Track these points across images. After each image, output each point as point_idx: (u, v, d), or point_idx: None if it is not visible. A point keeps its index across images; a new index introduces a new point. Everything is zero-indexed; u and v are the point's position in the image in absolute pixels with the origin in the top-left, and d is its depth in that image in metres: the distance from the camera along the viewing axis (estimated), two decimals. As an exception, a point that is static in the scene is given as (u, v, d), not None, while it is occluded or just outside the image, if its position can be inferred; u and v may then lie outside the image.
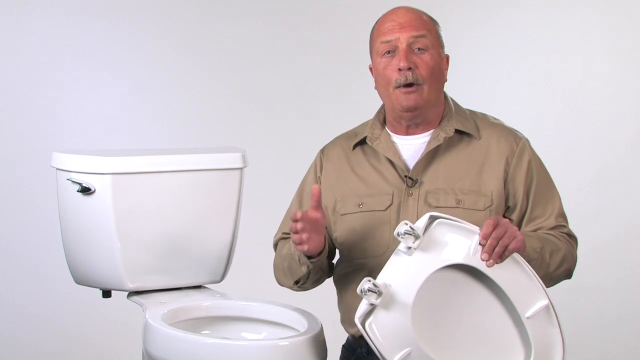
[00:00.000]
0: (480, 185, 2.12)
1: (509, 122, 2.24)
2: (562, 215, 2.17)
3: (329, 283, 2.28)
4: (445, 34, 2.18)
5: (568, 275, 2.13)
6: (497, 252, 1.87)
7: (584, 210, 3.75)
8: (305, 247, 2.03)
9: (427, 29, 2.12)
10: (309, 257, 2.09)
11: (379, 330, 1.86)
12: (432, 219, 1.90)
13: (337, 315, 2.23)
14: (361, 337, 2.01)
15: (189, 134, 3.67)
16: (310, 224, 2.02)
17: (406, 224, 1.86)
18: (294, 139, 3.76)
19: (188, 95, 3.72)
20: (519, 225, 2.15)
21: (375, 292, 1.84)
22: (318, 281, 2.22)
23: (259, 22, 3.75)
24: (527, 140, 2.19)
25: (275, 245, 2.30)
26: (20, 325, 3.53)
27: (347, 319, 2.19)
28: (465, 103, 2.28)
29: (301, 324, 2.17)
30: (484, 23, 3.79)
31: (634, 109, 3.76)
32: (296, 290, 2.25)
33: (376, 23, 2.17)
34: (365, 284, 1.84)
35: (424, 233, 1.88)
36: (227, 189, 2.59)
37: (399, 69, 2.09)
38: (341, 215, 2.19)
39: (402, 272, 1.87)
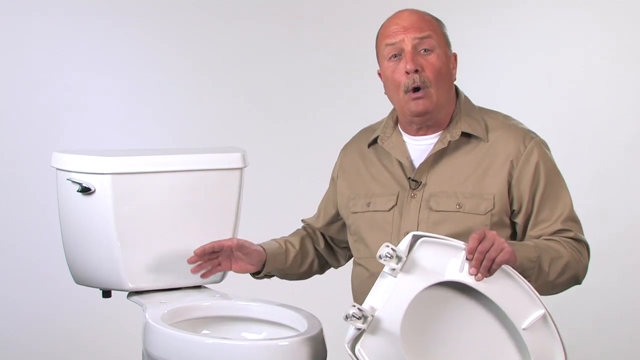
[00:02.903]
0: (483, 188, 2.09)
1: (526, 123, 2.19)
2: (572, 220, 2.12)
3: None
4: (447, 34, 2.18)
5: (575, 282, 2.09)
6: (484, 266, 1.84)
7: (584, 210, 3.72)
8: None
9: (432, 29, 2.11)
10: (254, 274, 2.37)
11: (369, 355, 1.84)
12: (416, 238, 1.86)
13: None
14: None
15: (189, 134, 3.67)
16: (210, 257, 2.35)
17: (387, 246, 1.83)
18: (293, 139, 3.75)
19: (188, 95, 3.71)
20: (524, 229, 2.11)
21: (361, 318, 1.82)
22: (308, 274, 2.40)
23: (259, 22, 3.75)
24: (541, 142, 2.14)
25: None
26: (20, 325, 3.52)
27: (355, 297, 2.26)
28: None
29: (301, 324, 2.17)
30: (484, 23, 3.79)
31: (634, 108, 3.76)
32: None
33: (380, 27, 2.16)
34: (350, 309, 1.83)
35: (408, 253, 1.85)
36: (227, 189, 2.59)
37: (406, 72, 2.07)
38: (352, 213, 2.21)
39: (389, 295, 1.84)
